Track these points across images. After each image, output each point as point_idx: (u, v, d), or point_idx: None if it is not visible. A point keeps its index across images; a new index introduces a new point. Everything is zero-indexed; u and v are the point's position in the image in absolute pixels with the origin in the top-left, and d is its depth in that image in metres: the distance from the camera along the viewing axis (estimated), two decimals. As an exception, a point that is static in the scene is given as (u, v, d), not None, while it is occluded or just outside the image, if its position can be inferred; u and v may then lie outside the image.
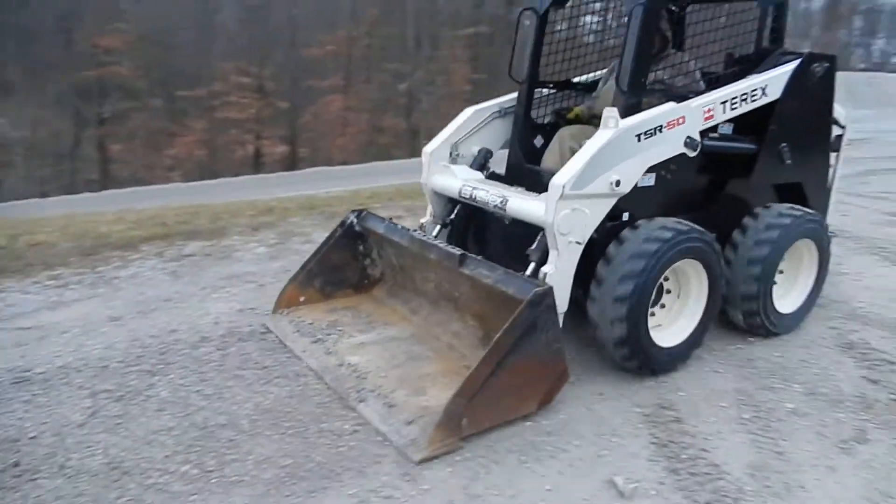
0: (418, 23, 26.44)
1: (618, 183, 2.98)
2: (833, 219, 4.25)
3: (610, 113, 3.00)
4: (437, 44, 26.56)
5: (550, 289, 2.72)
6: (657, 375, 3.21)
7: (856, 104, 27.93)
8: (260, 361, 3.30)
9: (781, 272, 3.67)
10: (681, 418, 2.88)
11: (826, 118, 3.97)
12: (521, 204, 3.14)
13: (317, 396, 2.95)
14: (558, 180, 2.85)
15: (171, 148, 21.20)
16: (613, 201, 3.04)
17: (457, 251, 3.16)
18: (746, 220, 3.57)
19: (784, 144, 3.68)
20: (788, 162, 3.72)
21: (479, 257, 3.11)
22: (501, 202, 3.22)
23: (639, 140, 3.03)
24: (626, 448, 2.65)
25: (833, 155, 4.12)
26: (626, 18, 3.32)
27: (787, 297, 3.77)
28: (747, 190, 3.67)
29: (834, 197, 4.24)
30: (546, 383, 2.83)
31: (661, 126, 3.09)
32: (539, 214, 2.95)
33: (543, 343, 2.71)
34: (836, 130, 4.11)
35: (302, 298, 3.83)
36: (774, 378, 3.26)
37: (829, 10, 48.43)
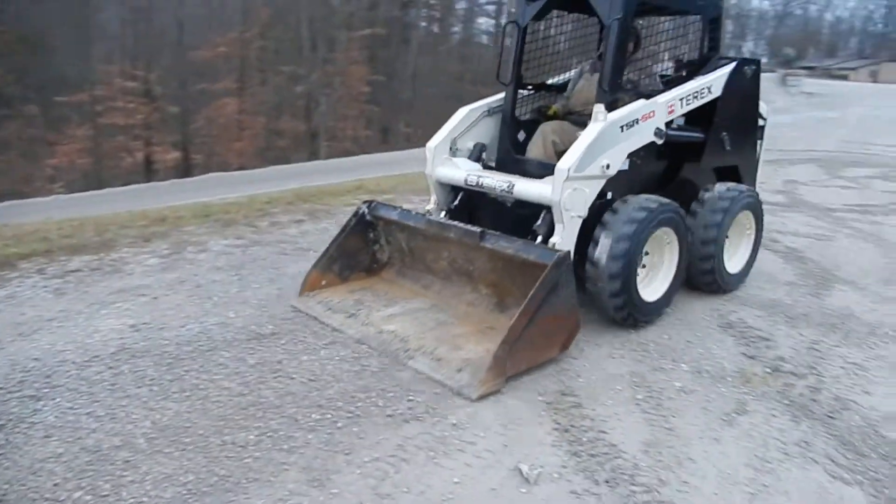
0: (313, 25, 26.03)
1: (608, 166, 3.58)
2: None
3: (598, 109, 3.60)
4: (333, 46, 26.27)
5: (568, 253, 3.28)
6: (639, 326, 3.80)
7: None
8: (156, 377, 3.15)
9: (728, 237, 4.29)
10: (581, 403, 3.00)
11: (754, 111, 4.72)
12: (528, 187, 3.69)
13: (218, 409, 2.86)
14: (563, 165, 3.43)
15: (51, 158, 19.79)
16: (603, 182, 3.65)
17: (477, 229, 3.61)
18: (703, 194, 4.26)
19: (725, 133, 4.39)
20: (728, 148, 4.45)
21: (497, 232, 3.54)
22: (508, 187, 3.77)
23: (622, 130, 3.64)
24: (531, 436, 2.73)
25: (758, 142, 4.90)
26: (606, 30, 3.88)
27: (732, 259, 4.47)
28: (697, 171, 4.38)
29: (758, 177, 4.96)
30: (566, 332, 3.37)
31: (637, 119, 3.71)
32: (546, 195, 3.52)
33: (564, 298, 3.23)
34: (759, 122, 4.85)
35: (323, 282, 4.22)
36: (665, 359, 3.47)
37: (704, 14, 51.47)
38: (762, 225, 4.64)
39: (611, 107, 3.67)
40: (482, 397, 2.97)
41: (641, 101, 3.77)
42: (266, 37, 26.87)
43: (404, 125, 31.56)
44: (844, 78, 47.70)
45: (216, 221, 6.13)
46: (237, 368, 3.26)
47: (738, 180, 4.58)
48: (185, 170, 22.44)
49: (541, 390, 3.10)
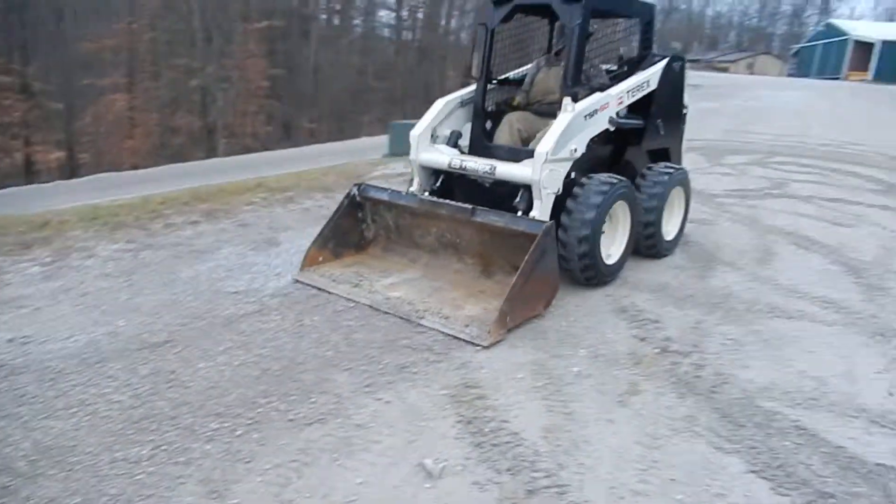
0: (206, 15, 24.97)
1: (575, 150, 4.26)
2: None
3: (566, 101, 4.25)
4: (229, 38, 25.32)
5: (553, 223, 3.88)
6: (602, 285, 4.47)
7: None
8: (38, 394, 2.96)
9: (664, 209, 5.00)
10: (484, 394, 3.07)
11: (681, 100, 5.52)
12: (510, 169, 4.28)
13: (107, 424, 2.72)
14: (542, 149, 4.05)
15: (-88, 160, 18.07)
16: (571, 163, 4.28)
17: (468, 205, 4.17)
18: (646, 171, 5.03)
19: (659, 120, 5.15)
20: (661, 133, 5.25)
21: (485, 208, 4.11)
22: (490, 169, 4.34)
23: (585, 119, 4.30)
24: (434, 430, 2.77)
25: (682, 127, 5.71)
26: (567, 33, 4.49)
27: (667, 226, 5.13)
28: (637, 153, 5.14)
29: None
30: (550, 292, 4.01)
31: (597, 109, 4.38)
32: (528, 175, 4.13)
33: (549, 262, 3.87)
34: (683, 110, 5.64)
35: (320, 258, 4.67)
36: (564, 346, 3.60)
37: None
38: (690, 199, 5.43)
39: (575, 99, 4.31)
40: (492, 345, 3.53)
41: (598, 94, 4.45)
42: (156, 28, 25.57)
43: (307, 120, 30.94)
44: (725, 70, 50.85)
45: (105, 225, 5.80)
46: (128, 380, 3.11)
47: (668, 160, 5.42)
48: (71, 170, 21.07)
49: (445, 384, 3.15)
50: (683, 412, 2.96)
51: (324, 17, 36.03)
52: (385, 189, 4.79)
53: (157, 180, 12.42)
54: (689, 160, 10.49)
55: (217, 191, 7.60)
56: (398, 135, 12.98)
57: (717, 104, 22.86)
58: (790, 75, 50.49)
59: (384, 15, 40.71)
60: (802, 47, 54.60)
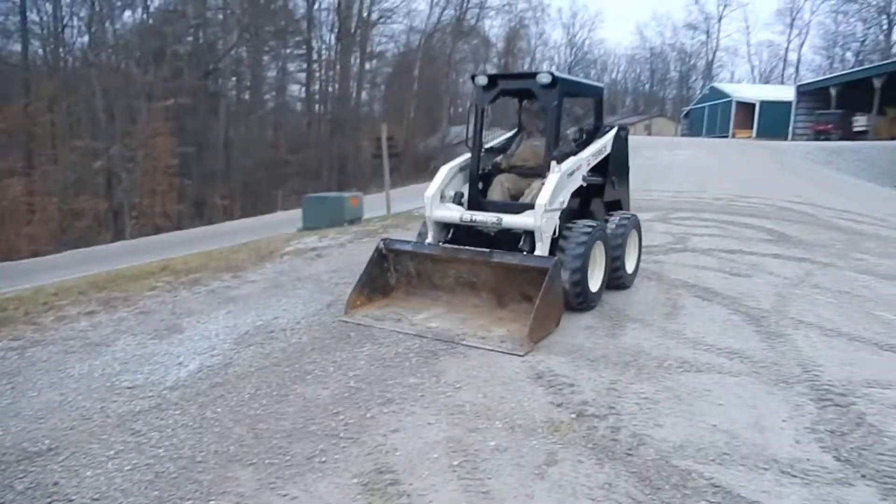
0: (108, 95, 24.42)
1: (563, 202, 5.32)
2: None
3: (553, 164, 5.28)
4: (133, 117, 24.78)
5: (559, 259, 4.98)
6: (588, 310, 5.39)
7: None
8: None
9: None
10: (398, 479, 2.92)
11: (626, 161, 6.74)
12: (514, 219, 5.25)
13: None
14: (541, 202, 5.03)
15: None
16: (559, 212, 5.26)
17: (485, 249, 5.20)
18: (609, 218, 6.14)
19: (613, 178, 6.34)
20: (615, 188, 6.43)
21: (499, 250, 5.15)
22: (497, 220, 5.31)
23: (568, 177, 5.38)
24: (346, 525, 2.60)
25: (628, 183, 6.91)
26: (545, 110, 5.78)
27: (628, 262, 6.16)
28: (598, 204, 6.23)
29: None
30: (558, 313, 4.99)
31: (574, 170, 5.50)
32: (530, 223, 5.11)
33: (557, 289, 4.88)
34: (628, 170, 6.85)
35: (358, 303, 5.43)
36: (479, 419, 3.52)
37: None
38: (642, 239, 6.60)
39: (556, 162, 5.35)
40: (527, 353, 4.40)
41: (573, 157, 5.58)
42: (55, 109, 24.73)
43: (220, 197, 30.39)
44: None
45: (-15, 323, 5.35)
46: (1, 498, 2.78)
47: (621, 209, 6.62)
48: (-40, 261, 19.63)
49: (356, 471, 2.98)
50: (602, 479, 2.91)
51: (233, 92, 36.03)
52: (408, 241, 5.79)
53: (57, 268, 11.74)
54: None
55: (118, 277, 7.22)
56: (311, 208, 12.92)
57: (620, 164, 23.99)
58: (683, 135, 53.96)
59: (296, 89, 41.19)
60: (692, 109, 58.77)
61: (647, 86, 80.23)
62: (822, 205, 14.22)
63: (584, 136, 6.34)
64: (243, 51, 35.20)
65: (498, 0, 46.83)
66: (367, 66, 43.55)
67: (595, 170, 5.98)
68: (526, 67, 66.15)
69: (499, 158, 6.17)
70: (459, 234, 5.69)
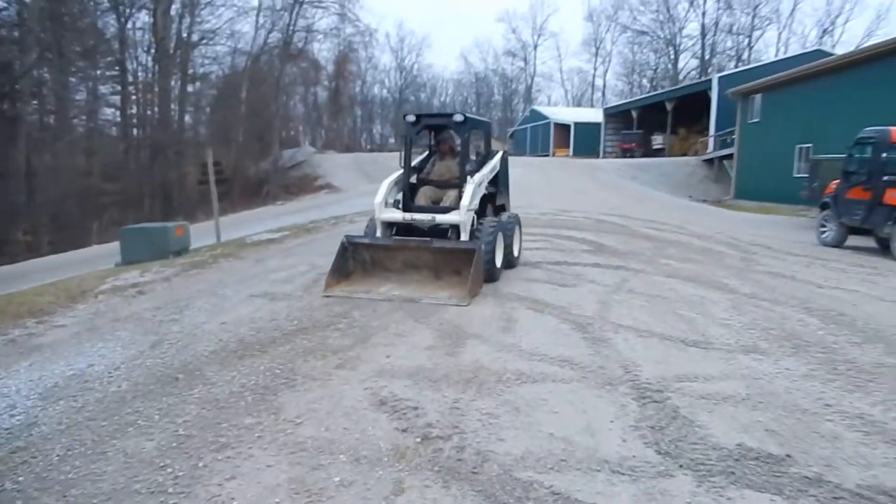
0: None
1: (475, 205, 7.38)
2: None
3: (468, 178, 7.40)
4: None
5: (479, 243, 7.03)
6: (494, 280, 7.37)
7: (369, 180, 32.59)
8: None
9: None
10: (236, 532, 2.71)
11: (507, 176, 9.06)
12: (444, 217, 7.25)
13: None
14: (464, 204, 7.10)
15: None
16: (474, 211, 7.35)
17: (427, 238, 7.20)
18: (502, 216, 8.26)
19: (501, 188, 8.66)
20: (501, 196, 8.67)
21: (436, 238, 7.19)
22: (432, 218, 7.31)
23: (478, 186, 7.47)
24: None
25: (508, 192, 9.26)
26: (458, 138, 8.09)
27: (515, 248, 8.29)
28: (491, 208, 8.34)
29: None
30: (482, 280, 7.01)
31: (481, 182, 7.64)
32: (456, 219, 7.14)
33: (480, 263, 6.84)
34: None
35: (333, 283, 7.01)
36: (323, 454, 3.38)
37: (333, 102, 56.16)
38: (522, 231, 8.72)
39: (468, 176, 7.53)
40: (469, 303, 6.36)
41: (479, 173, 7.70)
42: None
43: (22, 232, 27.13)
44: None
45: None
46: None
47: (506, 211, 8.77)
48: None
49: (188, 530, 2.73)
50: (448, 502, 2.91)
51: (34, 117, 32.42)
52: (364, 237, 7.54)
53: None
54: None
55: None
56: (131, 240, 11.86)
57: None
58: (510, 154, 57.31)
59: (110, 113, 38.00)
60: (516, 130, 62.50)
61: (474, 108, 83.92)
62: (632, 216, 15.66)
63: (480, 158, 8.43)
64: (45, 72, 31.84)
65: (325, 24, 46.61)
66: (190, 88, 41.32)
67: (490, 182, 8.20)
68: (358, 90, 66.75)
69: (419, 174, 8.19)
70: (401, 229, 7.62)
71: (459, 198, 7.35)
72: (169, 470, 3.25)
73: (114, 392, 4.34)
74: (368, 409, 3.96)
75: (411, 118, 7.88)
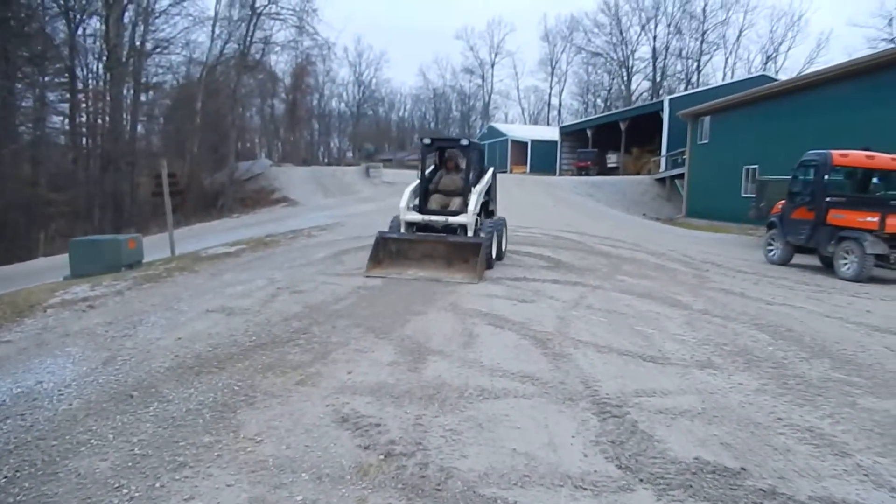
0: None
1: (478, 209, 9.83)
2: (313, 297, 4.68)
3: (472, 188, 9.83)
4: None
5: (482, 238, 9.32)
6: (491, 268, 9.41)
7: (326, 194, 32.40)
8: None
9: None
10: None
11: (496, 187, 11.33)
12: (455, 219, 9.53)
13: None
14: (470, 209, 9.55)
15: None
16: (476, 215, 9.78)
17: (443, 234, 9.42)
18: (494, 218, 10.62)
19: (492, 197, 11.08)
20: (492, 202, 11.09)
21: (449, 234, 9.46)
22: (445, 219, 9.55)
23: (479, 195, 9.85)
24: None
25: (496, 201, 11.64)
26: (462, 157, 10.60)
27: (503, 243, 10.47)
28: (486, 212, 10.54)
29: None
30: (486, 266, 9.13)
31: (482, 191, 10.00)
32: (465, 221, 9.48)
33: (484, 254, 8.95)
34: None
35: (372, 266, 8.97)
36: (284, 473, 3.32)
37: (290, 114, 55.71)
38: (507, 231, 11.10)
39: (473, 186, 9.84)
40: (478, 283, 8.37)
41: (479, 185, 9.86)
42: None
43: (-42, 247, 25.98)
44: (416, 167, 56.05)
45: None
46: None
47: (494, 215, 11.06)
48: None
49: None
50: (413, 520, 2.90)
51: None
52: (394, 232, 9.59)
53: None
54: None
55: None
56: (81, 253, 11.52)
57: (412, 199, 24.81)
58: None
59: (58, 121, 36.83)
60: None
61: (432, 124, 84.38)
62: (588, 232, 15.93)
63: (476, 173, 10.34)
64: (-12, 77, 30.72)
65: (283, 36, 46.25)
66: (143, 97, 40.41)
67: (486, 193, 10.42)
68: (315, 103, 66.49)
69: (429, 185, 10.29)
70: (419, 227, 9.72)
71: (463, 203, 9.67)
72: (125, 491, 3.15)
73: (64, 410, 4.19)
74: (330, 426, 3.92)
75: (427, 141, 10.37)
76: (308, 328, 6.07)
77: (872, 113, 17.60)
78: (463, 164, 10.43)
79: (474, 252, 8.85)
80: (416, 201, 9.86)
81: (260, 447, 3.61)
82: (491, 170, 10.83)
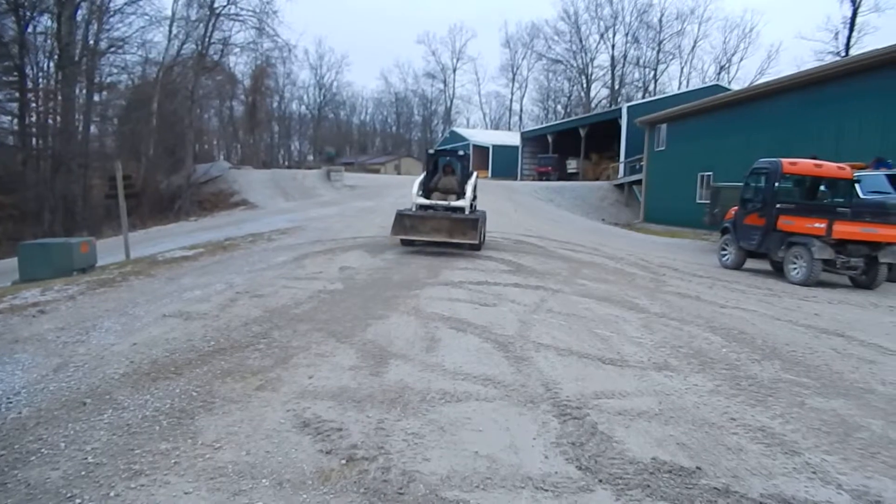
0: None
1: (472, 198, 12.96)
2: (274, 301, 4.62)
3: (465, 185, 12.98)
4: None
5: (478, 214, 12.91)
6: (478, 250, 12.45)
7: (286, 197, 32.02)
8: None
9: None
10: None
11: (477, 187, 13.68)
12: (456, 202, 12.61)
13: None
14: (467, 196, 12.62)
15: None
16: (470, 204, 12.74)
17: (448, 212, 12.30)
18: (477, 211, 13.09)
19: (476, 195, 13.40)
20: (476, 199, 13.44)
21: (452, 212, 12.39)
22: (448, 203, 12.64)
23: (472, 188, 12.95)
24: None
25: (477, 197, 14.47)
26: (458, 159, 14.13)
27: (483, 232, 12.89)
28: (471, 206, 12.84)
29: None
30: (483, 237, 13.08)
31: (474, 185, 13.22)
32: (463, 204, 12.47)
33: (480, 226, 12.29)
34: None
35: (394, 233, 11.91)
36: (244, 479, 3.28)
37: (250, 116, 54.93)
38: (486, 221, 13.29)
39: (463, 186, 13.07)
40: (480, 248, 12.56)
41: (470, 183, 12.90)
42: None
43: None
44: (377, 171, 55.94)
45: None
46: None
47: (478, 209, 13.36)
48: None
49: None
50: (375, 524, 2.90)
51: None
52: (410, 209, 12.31)
53: None
54: (354, 256, 11.07)
55: None
56: (30, 256, 11.15)
57: (373, 203, 24.80)
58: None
59: (7, 121, 35.56)
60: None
61: (393, 128, 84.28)
62: (549, 237, 16.12)
63: (465, 175, 13.37)
64: (-68, 73, 29.57)
65: (242, 37, 45.61)
66: (97, 97, 39.33)
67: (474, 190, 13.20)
68: (275, 105, 65.82)
69: (429, 185, 13.29)
70: (427, 209, 12.27)
71: (458, 199, 12.57)
72: (77, 501, 3.07)
73: (13, 419, 4.05)
74: (291, 431, 3.88)
75: (432, 151, 14.59)
76: (268, 332, 6.00)
77: (820, 123, 18.27)
78: (458, 169, 13.60)
79: (472, 226, 11.69)
80: (422, 191, 12.96)
81: (219, 454, 3.56)
82: (475, 173, 13.76)
